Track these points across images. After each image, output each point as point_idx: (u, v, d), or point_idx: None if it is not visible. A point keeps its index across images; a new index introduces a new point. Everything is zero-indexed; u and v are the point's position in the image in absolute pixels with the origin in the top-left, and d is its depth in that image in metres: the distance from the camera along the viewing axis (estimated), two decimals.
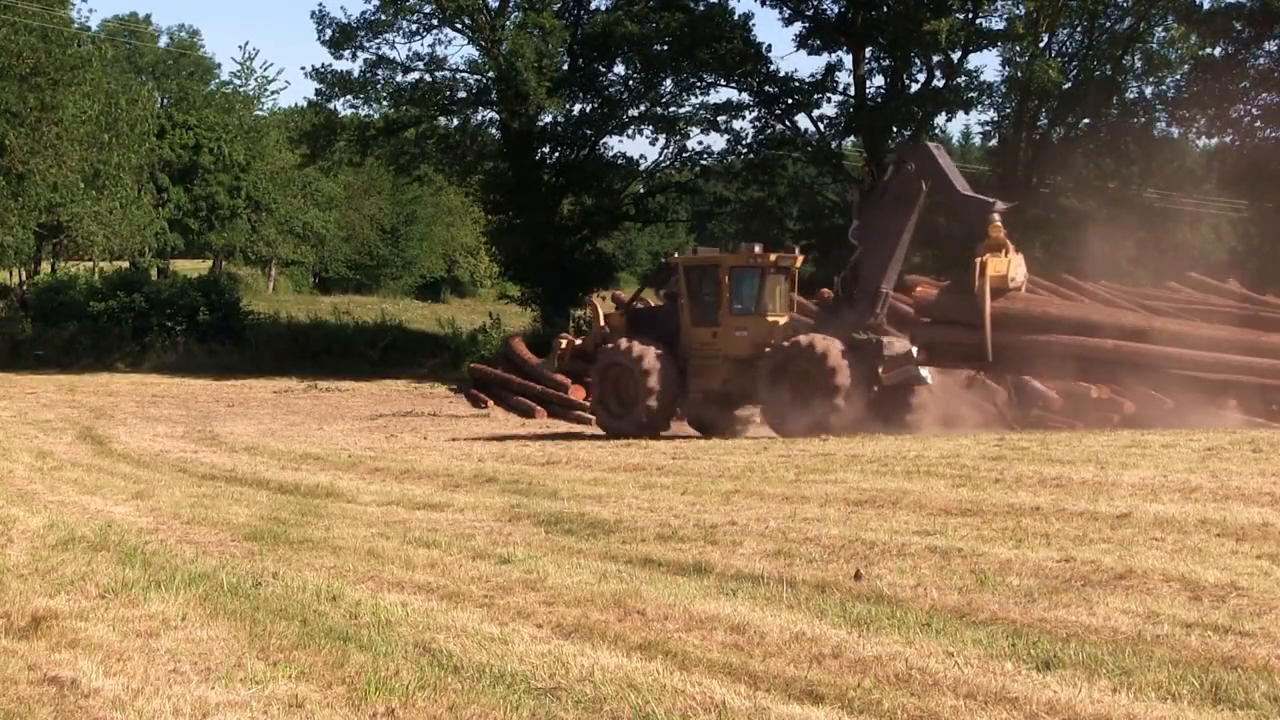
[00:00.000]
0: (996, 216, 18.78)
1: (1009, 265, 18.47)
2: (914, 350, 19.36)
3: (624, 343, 20.82)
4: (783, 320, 20.53)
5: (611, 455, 16.48)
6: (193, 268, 63.49)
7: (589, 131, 45.45)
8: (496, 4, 43.96)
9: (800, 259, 22.00)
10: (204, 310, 43.63)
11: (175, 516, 12.40)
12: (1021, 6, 39.53)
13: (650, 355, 20.39)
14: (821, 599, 8.03)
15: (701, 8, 43.59)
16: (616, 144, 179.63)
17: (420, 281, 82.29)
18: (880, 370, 19.16)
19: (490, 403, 27.59)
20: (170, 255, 64.74)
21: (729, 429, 21.01)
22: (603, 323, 22.42)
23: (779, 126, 44.97)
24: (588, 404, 23.37)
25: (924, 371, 19.20)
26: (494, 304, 58.27)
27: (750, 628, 7.24)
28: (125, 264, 54.61)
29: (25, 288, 49.01)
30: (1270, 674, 6.12)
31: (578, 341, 23.45)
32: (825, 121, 44.77)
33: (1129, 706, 5.74)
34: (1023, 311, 18.47)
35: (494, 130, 45.65)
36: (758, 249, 20.85)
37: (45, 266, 52.65)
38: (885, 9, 42.00)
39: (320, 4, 49.01)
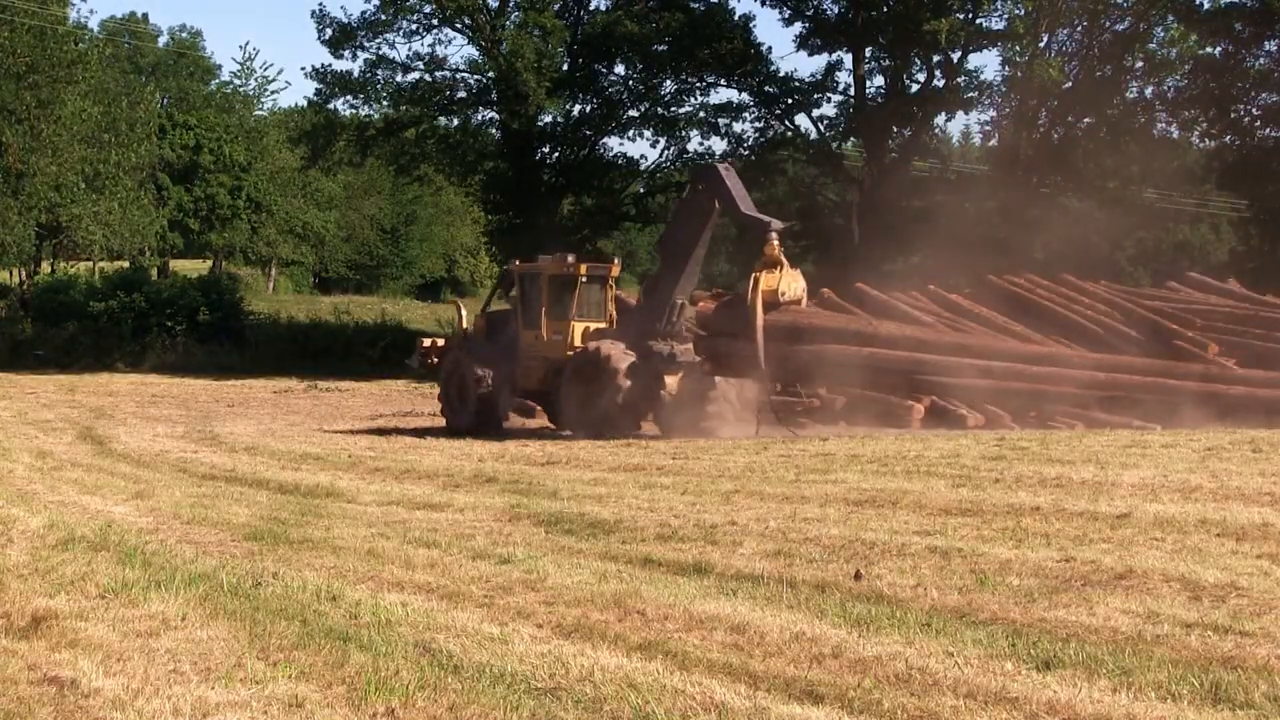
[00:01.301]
0: (774, 235, 19.71)
1: (780, 280, 19.42)
2: (695, 356, 20.57)
3: (431, 345, 23.62)
4: (594, 326, 21.88)
5: (611, 455, 16.48)
6: (193, 268, 63.49)
7: (589, 132, 45.45)
8: (496, 4, 43.95)
9: (616, 269, 23.49)
10: (204, 310, 43.60)
11: (175, 516, 12.40)
12: (1021, 6, 39.52)
13: (484, 357, 22.41)
14: (821, 599, 8.03)
15: (702, 8, 43.61)
16: (617, 145, 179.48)
17: (420, 281, 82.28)
18: (667, 376, 20.29)
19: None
20: (170, 255, 64.73)
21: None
22: (465, 325, 24.20)
23: (779, 127, 44.98)
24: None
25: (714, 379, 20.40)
26: (494, 303, 58.19)
27: (750, 628, 7.24)
28: (125, 264, 54.60)
29: (25, 288, 48.99)
30: (1270, 674, 6.12)
31: (439, 342, 25.12)
32: (825, 121, 44.83)
33: (1129, 706, 5.74)
34: (791, 323, 19.54)
35: (494, 130, 45.66)
36: (570, 259, 22.57)
37: (45, 266, 52.63)
38: (885, 9, 42.01)
39: (320, 4, 49.02)
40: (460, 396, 22.65)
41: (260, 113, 73.26)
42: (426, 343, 25.10)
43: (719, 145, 56.44)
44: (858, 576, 8.50)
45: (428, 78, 44.55)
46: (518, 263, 24.15)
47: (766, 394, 20.46)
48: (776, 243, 19.76)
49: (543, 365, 21.88)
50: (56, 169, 41.15)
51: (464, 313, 24.92)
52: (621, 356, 20.37)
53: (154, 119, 55.45)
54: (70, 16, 47.84)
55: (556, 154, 45.86)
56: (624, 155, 51.30)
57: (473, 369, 22.25)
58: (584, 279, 22.05)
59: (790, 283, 19.71)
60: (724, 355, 20.22)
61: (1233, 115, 42.57)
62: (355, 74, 44.11)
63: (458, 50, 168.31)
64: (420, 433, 22.08)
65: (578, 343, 21.50)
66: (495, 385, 22.15)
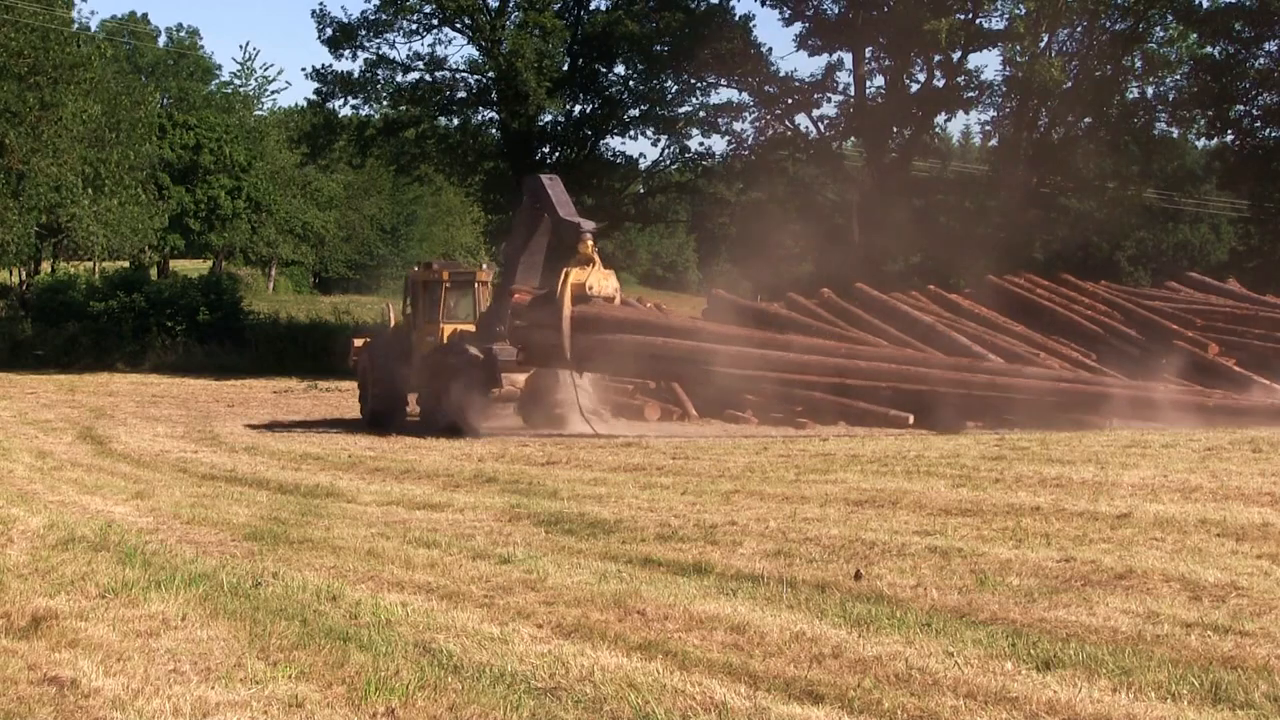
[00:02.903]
0: (588, 236, 21.10)
1: (588, 276, 20.73)
2: (514, 354, 21.83)
3: (360, 344, 25.41)
4: (463, 328, 23.26)
5: (611, 455, 16.47)
6: (193, 268, 63.49)
7: (589, 131, 45.43)
8: (496, 4, 43.95)
9: (485, 274, 24.97)
10: (204, 310, 43.59)
11: (175, 516, 12.40)
12: (1022, 6, 39.53)
13: (384, 357, 24.03)
14: (821, 599, 8.03)
15: (702, 7, 43.61)
16: (618, 145, 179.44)
17: None
18: (505, 374, 21.92)
19: None
20: (171, 255, 64.73)
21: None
22: (392, 324, 25.68)
23: (779, 127, 44.98)
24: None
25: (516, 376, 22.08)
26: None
27: (750, 628, 7.24)
28: (125, 264, 54.60)
29: (25, 288, 48.98)
30: (1270, 674, 6.12)
31: (368, 340, 26.15)
32: (825, 121, 44.81)
33: (1129, 706, 5.74)
34: (595, 316, 20.63)
35: (494, 130, 45.64)
36: (435, 265, 24.76)
37: (45, 266, 52.64)
38: (885, 9, 42.00)
39: (320, 3, 49.04)
40: (366, 393, 24.85)
41: (260, 113, 73.30)
42: (358, 342, 26.30)
43: (719, 145, 56.60)
44: (858, 576, 8.50)
45: (428, 78, 44.55)
46: (415, 269, 25.81)
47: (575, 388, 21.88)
48: (590, 243, 21.09)
49: (419, 364, 23.39)
50: (57, 169, 41.12)
51: (392, 313, 26.48)
52: (463, 356, 21.89)
53: (155, 119, 55.45)
54: (72, 16, 47.85)
55: (557, 154, 45.84)
56: (624, 155, 51.20)
57: (369, 369, 24.33)
58: (448, 284, 23.89)
59: (600, 280, 20.95)
60: (536, 346, 21.37)
61: (1233, 115, 42.59)
62: (355, 74, 44.14)
63: (458, 50, 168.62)
64: (417, 433, 22.05)
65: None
66: (384, 385, 23.88)
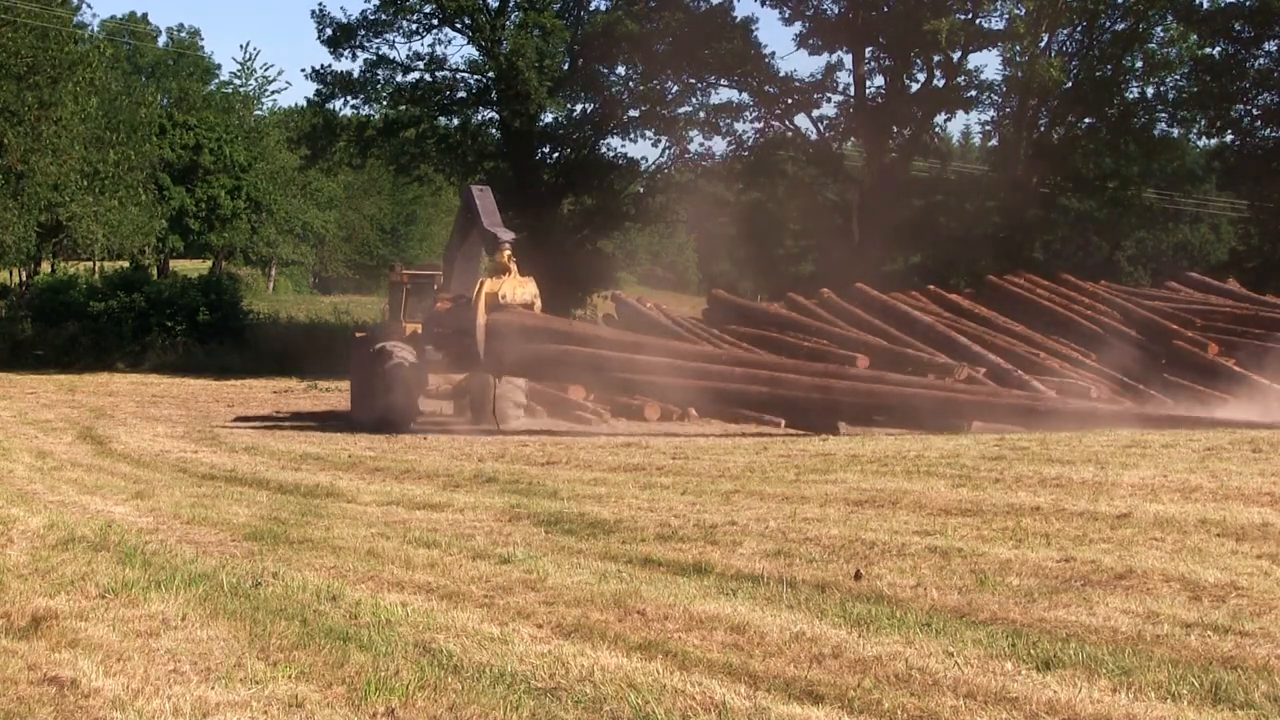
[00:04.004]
0: (505, 246, 22.16)
1: (504, 286, 21.85)
2: (411, 353, 23.06)
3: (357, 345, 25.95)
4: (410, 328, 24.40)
5: (611, 455, 16.47)
6: (193, 268, 63.48)
7: (589, 132, 45.43)
8: (496, 4, 43.95)
9: (440, 275, 25.66)
10: (204, 310, 43.57)
11: (175, 516, 12.40)
12: (1022, 6, 39.53)
13: (360, 355, 24.75)
14: (821, 599, 8.03)
15: (703, 7, 43.61)
16: (619, 145, 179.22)
17: None
18: (431, 375, 23.41)
19: None
20: (171, 255, 64.72)
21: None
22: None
23: (779, 126, 44.99)
24: (588, 403, 24.07)
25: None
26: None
27: (750, 628, 7.24)
28: (125, 264, 54.57)
29: (25, 288, 48.96)
30: (1270, 674, 6.12)
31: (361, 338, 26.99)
32: (825, 121, 44.81)
33: (1129, 706, 5.74)
34: (507, 323, 21.62)
35: (494, 130, 45.64)
36: (398, 267, 26.19)
37: (45, 266, 52.63)
38: (885, 9, 42.01)
39: (320, 3, 49.03)
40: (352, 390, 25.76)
41: (260, 113, 73.28)
42: (360, 335, 27.22)
43: (719, 145, 56.53)
44: (858, 576, 8.50)
45: (428, 78, 44.56)
46: (390, 270, 27.35)
47: (492, 389, 23.01)
48: (507, 253, 22.12)
49: (358, 362, 24.50)
50: (57, 169, 41.09)
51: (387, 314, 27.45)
52: (393, 357, 22.89)
53: (155, 119, 55.44)
54: (74, 18, 47.85)
55: (557, 154, 45.84)
56: (624, 155, 51.26)
57: (353, 367, 25.15)
58: (408, 286, 25.05)
59: (516, 288, 22.06)
60: (453, 350, 22.56)
61: (1233, 115, 42.59)
62: (355, 74, 44.15)
63: (458, 50, 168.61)
64: (422, 432, 22.08)
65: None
66: (359, 383, 24.72)
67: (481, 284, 21.94)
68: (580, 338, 22.63)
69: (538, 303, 22.63)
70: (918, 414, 20.36)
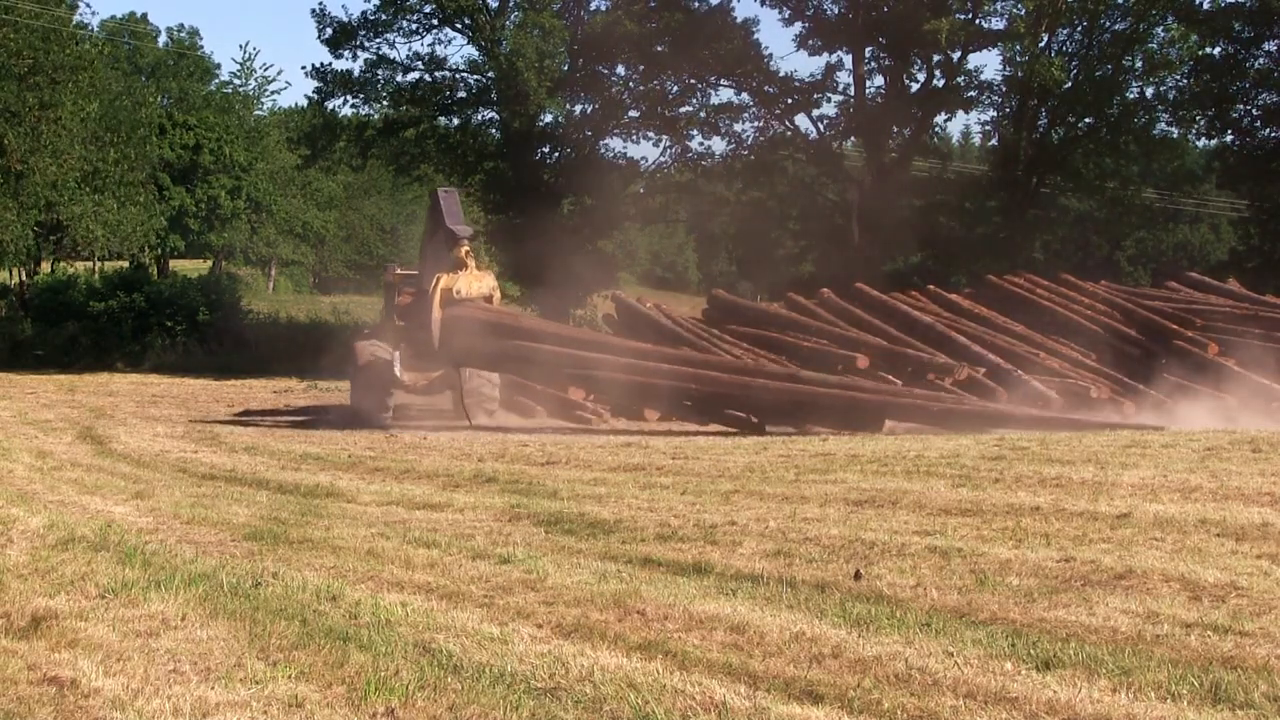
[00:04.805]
0: (464, 242, 23.15)
1: (459, 281, 22.75)
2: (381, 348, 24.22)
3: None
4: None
5: (611, 455, 16.47)
6: (193, 268, 63.47)
7: (589, 132, 45.43)
8: (496, 4, 43.94)
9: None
10: (204, 310, 43.57)
11: (175, 516, 12.40)
12: (1021, 6, 39.52)
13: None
14: (821, 599, 8.03)
15: (704, 8, 43.60)
16: (619, 145, 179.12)
17: None
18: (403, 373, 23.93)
19: None
20: (171, 255, 64.70)
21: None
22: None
23: (779, 126, 44.97)
24: (588, 403, 24.10)
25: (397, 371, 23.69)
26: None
27: (750, 628, 7.24)
28: (125, 264, 54.57)
29: (25, 288, 48.95)
30: (1270, 674, 6.12)
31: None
32: (825, 121, 44.80)
33: (1129, 706, 5.74)
34: (459, 316, 22.48)
35: (494, 130, 45.63)
36: (390, 267, 27.32)
37: (45, 266, 52.62)
38: (885, 9, 41.99)
39: (320, 3, 48.94)
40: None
41: (260, 113, 73.27)
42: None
43: (719, 145, 56.59)
44: (858, 576, 8.50)
45: (428, 78, 44.55)
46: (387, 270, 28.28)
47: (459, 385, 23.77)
48: (465, 249, 23.09)
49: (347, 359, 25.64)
50: (56, 169, 41.09)
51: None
52: (366, 354, 24.08)
53: (155, 120, 55.41)
54: (75, 18, 47.82)
55: (557, 154, 45.83)
56: (624, 155, 51.18)
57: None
58: (401, 285, 25.83)
59: (472, 283, 22.96)
60: (415, 342, 23.39)
61: (1233, 115, 42.57)
62: (355, 74, 44.13)
63: (458, 50, 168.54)
64: (421, 432, 22.07)
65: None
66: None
67: (438, 279, 22.70)
68: (527, 332, 23.28)
69: (496, 296, 23.56)
70: (829, 413, 20.89)
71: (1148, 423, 19.70)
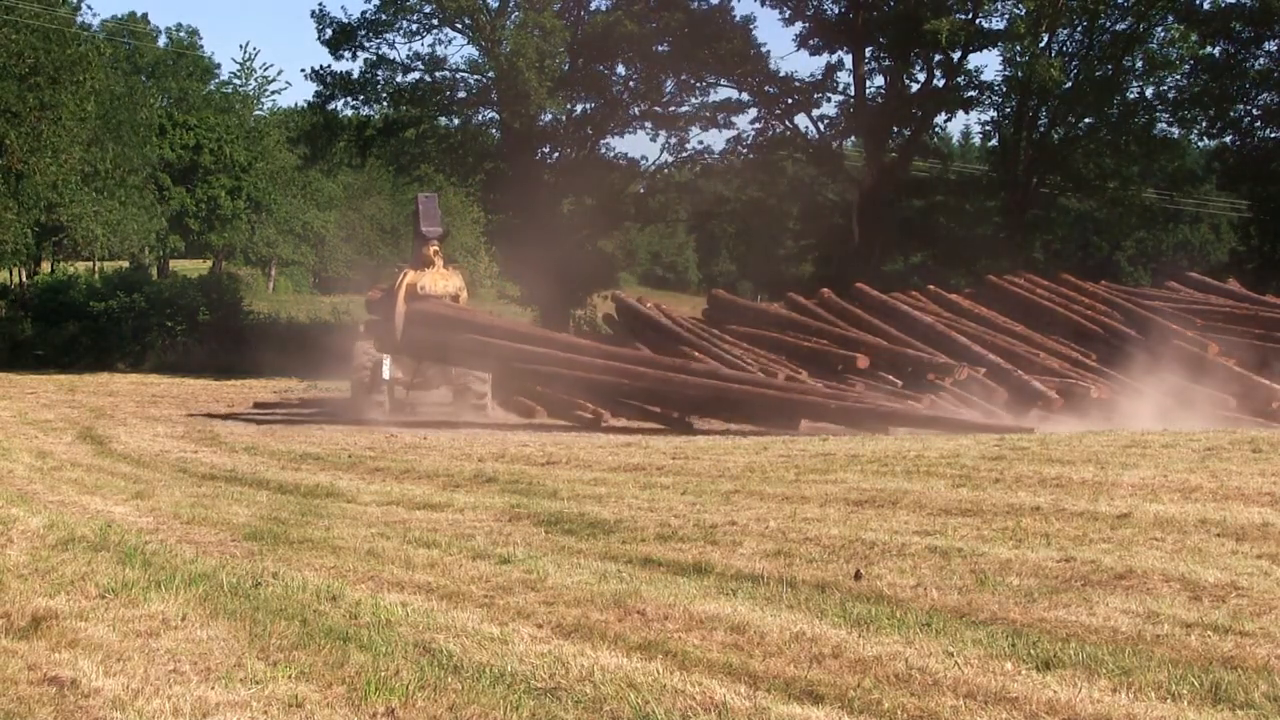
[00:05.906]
0: (434, 243, 24.61)
1: (424, 278, 24.04)
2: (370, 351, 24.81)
3: None
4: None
5: (611, 455, 16.47)
6: (193, 268, 63.46)
7: (589, 131, 45.42)
8: (496, 4, 43.93)
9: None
10: (204, 310, 43.57)
11: (175, 516, 12.40)
12: (1021, 6, 39.52)
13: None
14: (821, 599, 8.03)
15: (704, 8, 43.59)
16: (620, 145, 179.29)
17: None
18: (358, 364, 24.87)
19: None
20: (171, 255, 64.68)
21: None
22: None
23: (779, 126, 44.97)
24: (588, 403, 24.12)
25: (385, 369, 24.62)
26: (494, 304, 58.32)
27: (750, 628, 7.23)
28: (125, 264, 54.57)
29: (25, 288, 48.95)
30: (1270, 674, 6.12)
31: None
32: (825, 121, 44.80)
33: (1129, 706, 5.74)
34: (421, 311, 23.55)
35: (494, 130, 45.62)
36: (398, 267, 27.70)
37: (45, 266, 52.63)
38: (885, 9, 42.00)
39: (320, 4, 48.90)
40: None
41: (260, 113, 73.24)
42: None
43: (719, 142, 56.55)
44: (858, 576, 8.50)
45: (427, 78, 44.53)
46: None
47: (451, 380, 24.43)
48: (433, 248, 24.50)
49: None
50: (57, 169, 41.08)
51: None
52: (359, 355, 24.73)
53: (155, 120, 55.40)
54: (75, 18, 47.81)
55: (557, 154, 45.82)
56: (625, 155, 51.17)
57: None
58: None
59: (438, 280, 24.23)
60: (380, 337, 24.25)
61: (1233, 115, 42.58)
62: (355, 74, 44.14)
63: (458, 50, 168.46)
64: (421, 432, 22.07)
65: None
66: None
67: (404, 276, 23.91)
68: (481, 328, 23.98)
69: (463, 294, 24.69)
70: (743, 408, 21.50)
71: (1056, 428, 19.68)
